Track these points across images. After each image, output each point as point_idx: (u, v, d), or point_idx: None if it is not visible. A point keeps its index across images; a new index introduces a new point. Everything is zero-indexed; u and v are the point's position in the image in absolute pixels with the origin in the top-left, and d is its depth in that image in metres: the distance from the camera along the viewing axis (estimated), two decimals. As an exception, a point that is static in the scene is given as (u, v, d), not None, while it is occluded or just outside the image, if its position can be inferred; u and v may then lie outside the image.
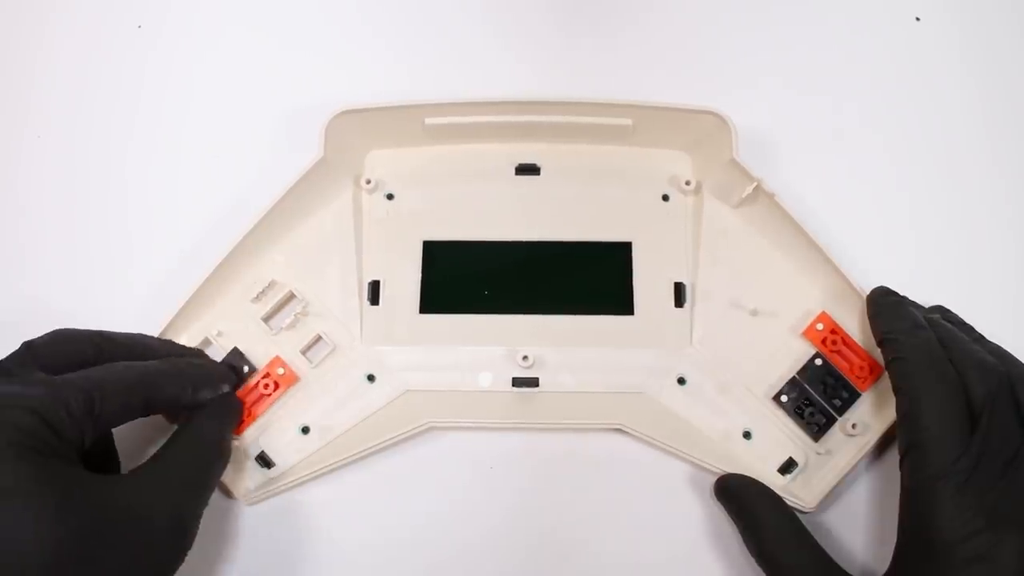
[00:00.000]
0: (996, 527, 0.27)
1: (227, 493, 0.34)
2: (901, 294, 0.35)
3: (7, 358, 0.28)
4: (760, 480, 0.34)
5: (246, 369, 0.35)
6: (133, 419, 0.30)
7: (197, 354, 0.35)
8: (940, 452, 0.29)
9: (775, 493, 0.32)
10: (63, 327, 0.30)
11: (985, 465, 0.28)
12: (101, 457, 0.32)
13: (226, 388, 0.34)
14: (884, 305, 0.34)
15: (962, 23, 0.43)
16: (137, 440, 0.34)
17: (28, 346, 0.29)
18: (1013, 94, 0.42)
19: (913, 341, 0.31)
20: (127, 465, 0.32)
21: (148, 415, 0.31)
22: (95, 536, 0.25)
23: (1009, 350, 0.36)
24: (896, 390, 0.31)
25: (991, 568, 0.27)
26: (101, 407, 0.28)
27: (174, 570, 0.28)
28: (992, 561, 0.27)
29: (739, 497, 0.33)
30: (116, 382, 0.29)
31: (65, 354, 0.29)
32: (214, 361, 0.35)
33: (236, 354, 0.35)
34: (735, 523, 0.33)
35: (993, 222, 0.39)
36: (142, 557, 0.27)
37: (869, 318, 0.34)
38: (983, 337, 0.34)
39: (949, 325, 0.33)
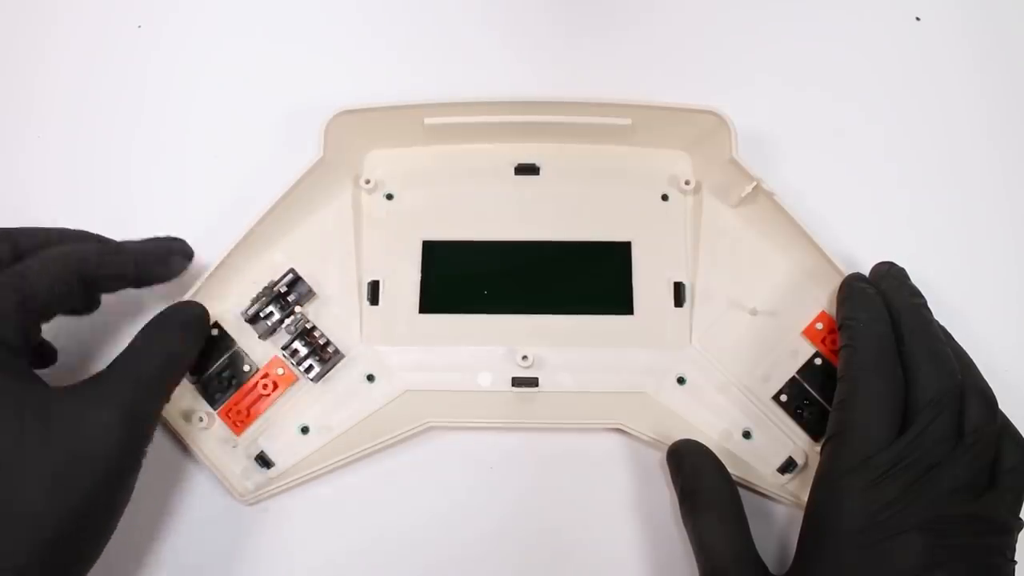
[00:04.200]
0: (900, 525, 0.27)
1: (226, 491, 0.34)
2: (899, 270, 0.34)
3: None
4: (759, 479, 0.34)
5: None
6: (76, 304, 0.31)
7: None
8: (860, 444, 0.29)
9: (721, 463, 0.32)
10: None
11: (907, 466, 0.28)
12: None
13: (180, 262, 0.34)
14: (854, 290, 0.34)
15: (962, 23, 0.43)
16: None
17: None
18: (1014, 94, 0.41)
19: (867, 332, 0.32)
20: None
21: (94, 299, 0.32)
22: (37, 441, 0.26)
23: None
24: (839, 378, 0.32)
25: (887, 564, 0.27)
26: (31, 295, 0.28)
27: (128, 468, 0.29)
28: (888, 557, 0.27)
29: (684, 458, 0.33)
30: (41, 265, 0.29)
31: None
32: (169, 237, 0.35)
33: (236, 354, 0.35)
34: (674, 484, 0.33)
35: (994, 219, 0.39)
36: (89, 454, 0.27)
37: (837, 301, 0.34)
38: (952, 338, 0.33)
39: (929, 318, 0.32)
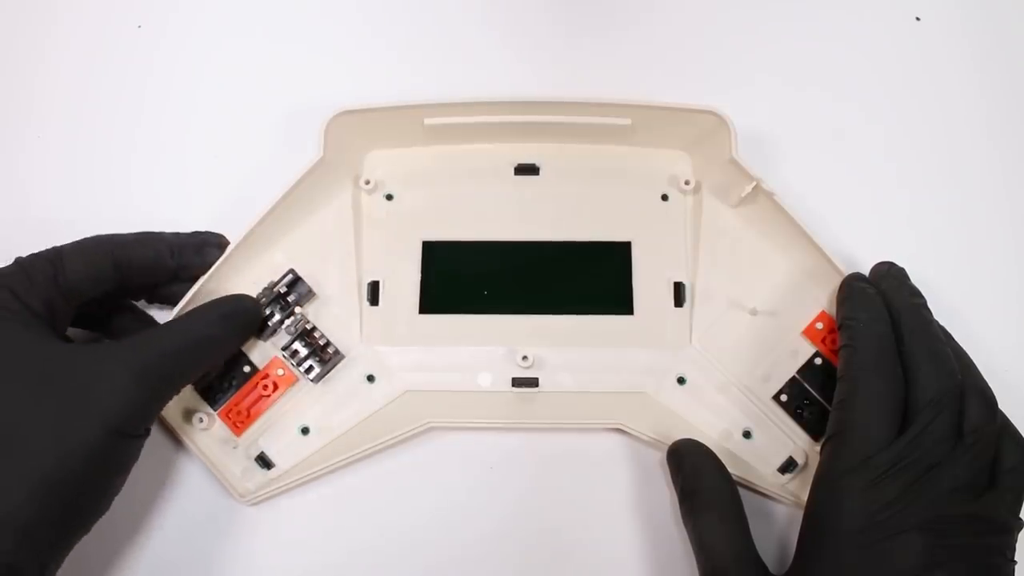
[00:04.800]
0: (900, 525, 0.27)
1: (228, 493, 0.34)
2: (899, 270, 0.34)
3: None
4: (759, 478, 0.34)
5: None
6: (108, 287, 0.32)
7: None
8: (860, 444, 0.29)
9: (722, 463, 0.32)
10: None
11: (906, 465, 0.28)
12: None
13: (214, 253, 0.35)
14: (854, 290, 0.34)
15: (962, 23, 0.43)
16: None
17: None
18: (1014, 94, 0.41)
19: (867, 332, 0.32)
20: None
21: (128, 286, 0.33)
22: (45, 389, 0.28)
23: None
24: (839, 377, 0.32)
25: (887, 564, 0.27)
26: (63, 270, 0.30)
27: (132, 431, 0.29)
28: (888, 557, 0.27)
29: (684, 458, 0.33)
30: (77, 244, 0.32)
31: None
32: (206, 231, 0.36)
33: (237, 353, 0.35)
34: (674, 484, 0.33)
35: (994, 219, 0.39)
36: (94, 407, 0.28)
37: (836, 302, 0.34)
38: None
39: (929, 318, 0.32)
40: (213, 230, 0.36)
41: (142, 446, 0.30)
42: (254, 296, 0.35)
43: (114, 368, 0.28)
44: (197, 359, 0.32)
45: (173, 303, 0.34)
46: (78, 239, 0.32)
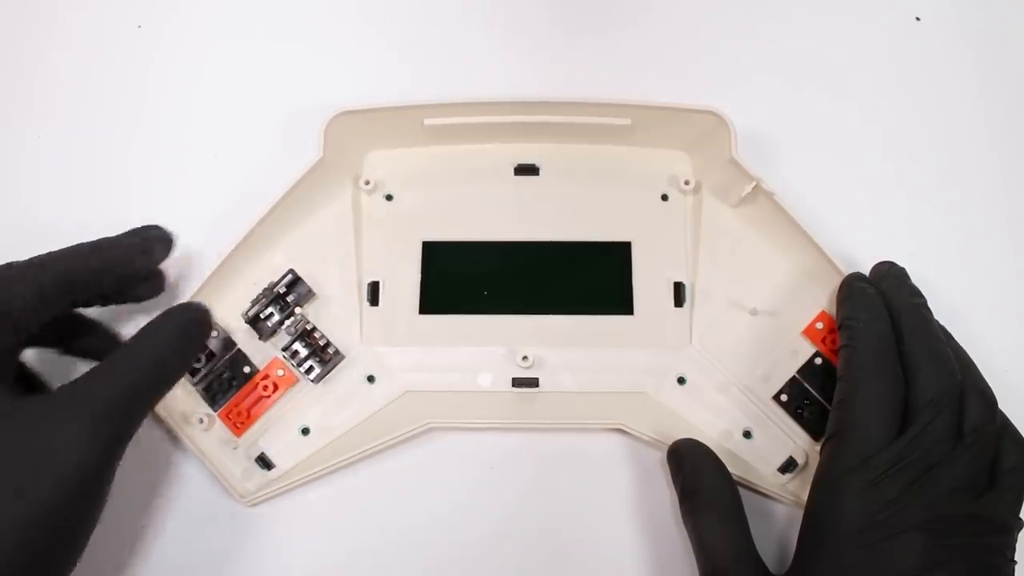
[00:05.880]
0: (899, 525, 0.28)
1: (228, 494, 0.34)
2: (899, 270, 0.34)
3: None
4: (759, 478, 0.34)
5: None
6: (56, 311, 0.30)
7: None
8: (860, 444, 0.29)
9: (722, 463, 0.32)
10: None
11: (906, 465, 0.28)
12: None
13: (162, 250, 0.33)
14: (854, 290, 0.34)
15: (962, 23, 0.43)
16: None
17: None
18: (1013, 94, 0.41)
19: (867, 332, 0.32)
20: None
21: (79, 302, 0.32)
22: None
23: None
24: (839, 377, 0.32)
25: (886, 564, 0.27)
26: (8, 309, 0.28)
27: (97, 480, 0.27)
28: (888, 557, 0.27)
29: (684, 458, 0.33)
30: (13, 269, 0.29)
31: None
32: (144, 226, 0.34)
33: (237, 355, 0.35)
34: (674, 484, 0.33)
35: (993, 219, 0.39)
36: (53, 465, 0.26)
37: (837, 301, 0.34)
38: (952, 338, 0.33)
39: (929, 317, 0.32)
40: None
41: (113, 476, 0.28)
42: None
43: (70, 419, 0.26)
44: (156, 385, 0.30)
45: (139, 301, 0.34)
46: (8, 262, 0.30)
